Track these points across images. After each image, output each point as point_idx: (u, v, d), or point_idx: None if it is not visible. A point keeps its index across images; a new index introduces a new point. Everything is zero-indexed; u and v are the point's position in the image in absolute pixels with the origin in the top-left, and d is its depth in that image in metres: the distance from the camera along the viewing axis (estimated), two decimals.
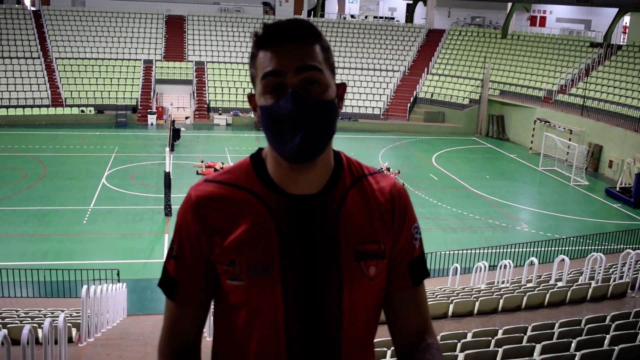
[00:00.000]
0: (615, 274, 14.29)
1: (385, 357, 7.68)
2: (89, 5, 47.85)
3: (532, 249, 20.11)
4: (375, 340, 2.05)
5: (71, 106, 39.80)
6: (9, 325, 9.18)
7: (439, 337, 7.93)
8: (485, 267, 16.38)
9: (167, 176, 23.01)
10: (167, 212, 23.04)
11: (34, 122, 38.06)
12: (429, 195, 26.85)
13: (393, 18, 57.35)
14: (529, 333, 8.85)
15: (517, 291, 12.70)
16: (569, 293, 12.36)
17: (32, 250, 19.55)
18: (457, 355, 7.66)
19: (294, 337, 1.84)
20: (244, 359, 1.90)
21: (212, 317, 2.05)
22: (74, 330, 10.23)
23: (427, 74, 45.98)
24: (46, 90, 40.25)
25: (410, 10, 54.49)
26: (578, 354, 7.01)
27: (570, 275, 15.07)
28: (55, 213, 23.04)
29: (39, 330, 8.32)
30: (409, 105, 42.98)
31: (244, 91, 43.24)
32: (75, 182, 26.96)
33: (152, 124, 39.73)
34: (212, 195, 1.87)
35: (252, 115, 41.23)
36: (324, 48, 1.81)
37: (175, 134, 34.17)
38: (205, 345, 1.99)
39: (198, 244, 1.88)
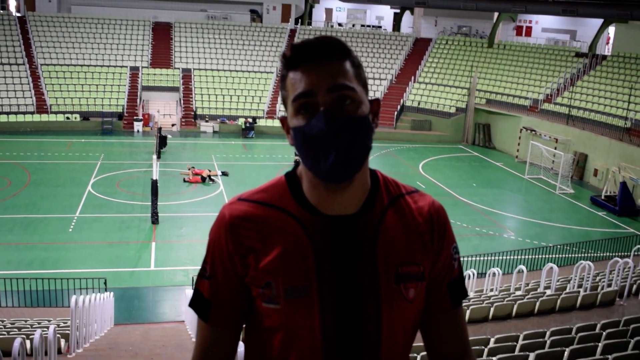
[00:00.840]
0: (603, 282, 14.37)
1: None
2: (75, 11, 47.63)
3: (519, 257, 20.19)
4: None
5: (56, 113, 39.49)
6: None
7: None
8: (474, 275, 16.42)
9: (154, 184, 22.89)
10: (154, 220, 22.89)
11: (18, 129, 37.71)
12: None
13: (380, 27, 57.55)
14: (521, 342, 8.86)
15: (507, 299, 12.74)
16: (558, 301, 12.41)
17: (17, 259, 19.34)
18: None
19: None
20: None
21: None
22: (62, 341, 10.10)
23: (414, 82, 46.16)
24: (31, 97, 39.92)
25: (397, 19, 54.71)
26: None
27: (558, 283, 15.12)
28: (41, 221, 22.83)
29: (27, 342, 8.21)
30: (396, 113, 43.10)
31: (230, 98, 43.18)
32: (60, 189, 26.73)
33: (138, 131, 39.53)
34: (246, 214, 1.83)
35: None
36: (354, 64, 1.77)
37: (162, 142, 34.03)
38: None
39: (232, 264, 1.83)
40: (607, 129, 34.26)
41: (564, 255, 20.73)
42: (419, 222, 1.88)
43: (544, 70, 43.74)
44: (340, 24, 56.34)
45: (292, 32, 49.54)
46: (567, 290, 13.91)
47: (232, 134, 40.57)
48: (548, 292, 13.89)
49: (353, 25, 56.35)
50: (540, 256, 20.59)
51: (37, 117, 38.87)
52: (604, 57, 42.73)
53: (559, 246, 21.35)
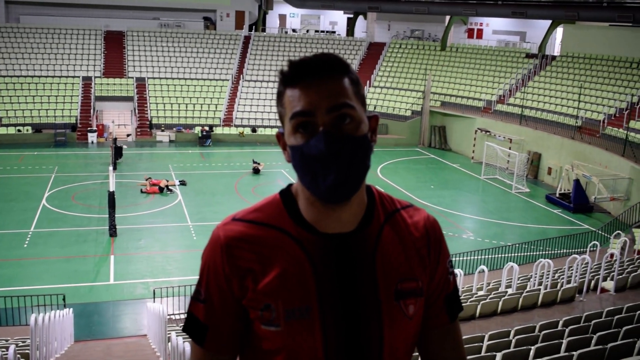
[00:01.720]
0: (563, 278, 14.64)
1: None
2: (23, 21, 46.55)
3: (480, 257, 20.46)
4: None
5: (7, 125, 38.51)
6: None
7: None
8: None
9: (111, 196, 22.49)
10: (112, 232, 22.49)
11: None
12: None
13: (334, 32, 57.79)
14: (486, 342, 8.95)
15: (470, 300, 12.87)
16: (520, 300, 12.59)
17: None
18: None
19: None
20: None
21: None
22: None
23: (370, 86, 46.46)
24: None
25: (350, 24, 55.01)
26: None
27: (519, 282, 15.36)
28: None
29: None
30: None
31: (186, 107, 42.77)
32: (14, 204, 26.06)
33: (92, 142, 38.83)
34: (242, 235, 1.78)
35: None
36: (353, 81, 1.74)
37: (117, 152, 33.50)
38: None
39: (229, 287, 1.79)
40: (559, 128, 35.03)
41: (523, 254, 21.08)
42: (416, 237, 1.87)
43: (496, 71, 44.52)
44: (294, 30, 56.37)
45: (247, 39, 49.39)
46: (528, 288, 14.13)
47: (189, 143, 40.18)
48: (510, 291, 14.10)
49: (307, 31, 56.43)
50: (499, 255, 20.90)
51: None
52: (554, 58, 43.71)
53: (517, 245, 21.70)
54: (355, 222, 1.80)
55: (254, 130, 41.85)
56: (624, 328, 8.53)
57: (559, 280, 14.73)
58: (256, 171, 32.93)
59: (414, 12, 47.34)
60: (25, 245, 21.53)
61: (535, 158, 34.67)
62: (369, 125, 1.77)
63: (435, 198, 29.64)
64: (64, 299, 15.66)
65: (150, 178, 29.59)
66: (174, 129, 41.19)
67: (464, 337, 7.83)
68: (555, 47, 51.19)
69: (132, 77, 44.16)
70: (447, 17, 49.39)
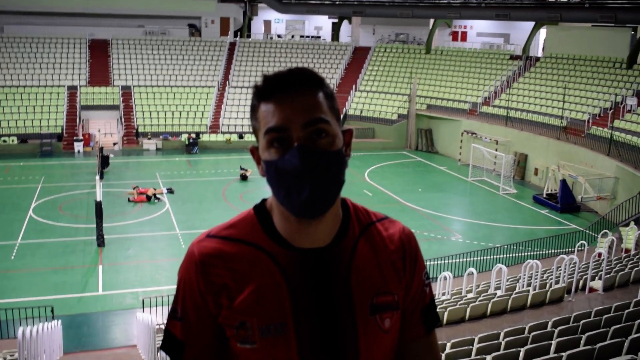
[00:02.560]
0: (551, 279, 14.72)
1: None
2: (7, 31, 46.25)
3: (468, 259, 20.51)
4: None
5: None
6: None
7: None
8: None
9: (98, 205, 22.36)
10: (100, 242, 22.36)
11: None
12: None
13: (319, 37, 57.84)
14: (476, 345, 8.98)
15: (459, 303, 12.90)
16: (509, 301, 12.64)
17: None
18: None
19: None
20: None
21: None
22: None
23: (356, 91, 46.54)
24: None
25: (335, 28, 55.12)
26: None
27: (508, 283, 15.42)
28: None
29: None
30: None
31: (172, 114, 42.65)
32: (0, 216, 25.86)
33: (79, 151, 38.62)
34: (217, 252, 1.76)
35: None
36: (327, 95, 1.73)
37: (104, 161, 33.33)
38: None
39: (204, 304, 1.77)
40: (544, 128, 35.25)
41: (511, 255, 21.16)
42: (391, 249, 1.86)
43: (481, 73, 44.73)
44: (279, 36, 56.41)
45: (232, 45, 49.35)
46: (517, 289, 14.20)
47: (176, 151, 40.07)
48: (499, 292, 14.14)
49: (292, 37, 56.49)
50: (488, 257, 20.96)
51: None
52: (537, 59, 43.99)
53: (505, 246, 21.79)
54: (330, 236, 1.79)
55: (240, 137, 41.79)
56: (613, 327, 8.58)
57: (547, 280, 14.80)
58: (244, 178, 32.87)
59: (398, 16, 47.49)
60: (13, 257, 21.37)
61: (521, 159, 34.85)
62: (344, 140, 1.76)
63: (422, 201, 29.70)
64: (52, 311, 15.53)
65: (137, 187, 29.45)
66: (161, 136, 41.05)
67: (454, 340, 7.84)
68: (539, 48, 51.52)
69: (118, 86, 44.00)
70: (432, 21, 49.60)
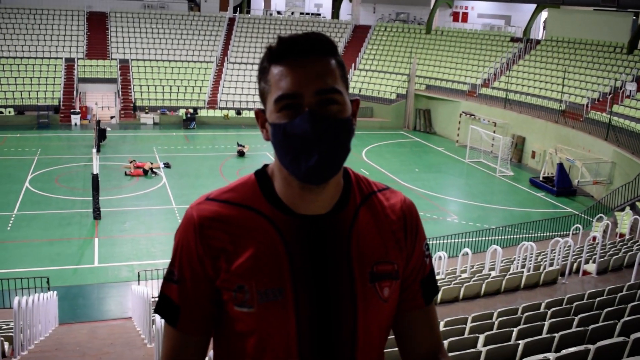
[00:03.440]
0: (545, 261, 14.79)
1: None
2: (5, 2, 45.78)
3: (464, 240, 20.59)
4: None
5: None
6: None
7: None
8: None
9: (94, 178, 22.36)
10: (96, 215, 22.38)
11: None
12: None
13: (319, 14, 57.56)
14: (469, 324, 9.03)
15: (453, 283, 12.98)
16: (503, 282, 12.71)
17: None
18: None
19: None
20: None
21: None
22: (6, 344, 9.79)
23: (355, 69, 46.36)
24: None
25: (336, 6, 54.79)
26: (521, 342, 7.19)
27: (502, 264, 15.50)
28: None
29: None
30: None
31: (170, 89, 42.48)
32: None
33: (76, 124, 38.49)
34: (216, 215, 1.74)
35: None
36: (339, 63, 1.71)
37: (101, 135, 33.25)
38: None
39: (202, 267, 1.75)
40: (543, 111, 35.22)
41: (506, 237, 21.23)
42: (392, 219, 1.85)
43: (481, 55, 44.56)
44: (279, 12, 56.06)
45: (231, 21, 49.02)
46: (511, 270, 14.27)
47: (173, 125, 39.98)
48: (493, 273, 14.22)
49: (292, 13, 56.13)
50: (483, 238, 21.05)
51: None
52: (538, 42, 43.82)
53: (501, 228, 21.86)
54: (332, 203, 1.78)
55: (238, 113, 41.68)
56: (605, 310, 8.64)
57: (541, 263, 14.88)
58: (241, 154, 32.84)
59: None
60: (9, 228, 21.39)
61: (519, 142, 34.85)
62: (352, 109, 1.74)
63: (419, 181, 29.74)
64: (47, 282, 15.59)
65: (134, 160, 29.42)
66: (158, 111, 40.92)
67: (447, 319, 7.88)
68: (540, 31, 51.32)
69: (116, 59, 43.75)
70: (433, 0, 49.30)
